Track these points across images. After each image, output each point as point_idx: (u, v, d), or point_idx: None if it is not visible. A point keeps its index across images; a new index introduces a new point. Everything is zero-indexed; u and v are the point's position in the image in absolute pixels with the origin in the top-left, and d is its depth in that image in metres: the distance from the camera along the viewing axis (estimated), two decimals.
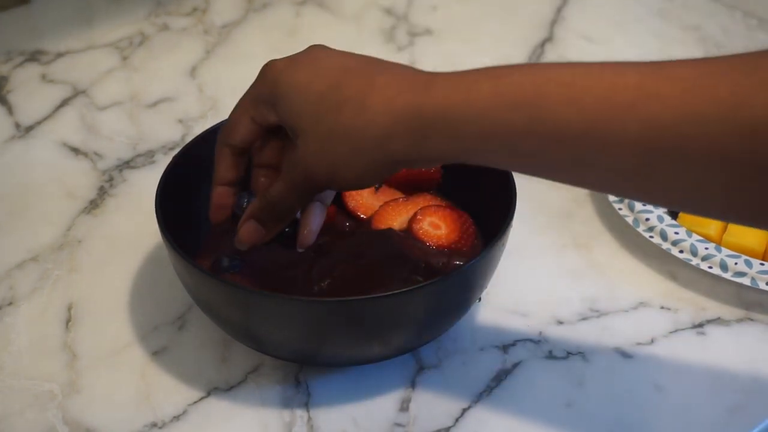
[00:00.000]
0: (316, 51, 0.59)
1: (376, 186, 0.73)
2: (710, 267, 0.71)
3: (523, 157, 0.51)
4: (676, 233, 0.73)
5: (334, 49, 0.59)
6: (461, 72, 0.52)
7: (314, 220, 0.62)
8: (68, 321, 0.69)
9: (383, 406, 0.63)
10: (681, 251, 0.72)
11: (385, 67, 0.56)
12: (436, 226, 0.68)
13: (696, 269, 0.72)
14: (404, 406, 0.63)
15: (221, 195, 0.63)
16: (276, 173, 0.61)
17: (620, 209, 0.76)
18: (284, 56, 0.60)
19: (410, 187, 0.73)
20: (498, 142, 0.50)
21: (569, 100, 0.48)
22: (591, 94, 0.47)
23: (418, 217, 0.69)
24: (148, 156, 0.86)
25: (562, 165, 0.50)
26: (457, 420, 0.62)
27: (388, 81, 0.53)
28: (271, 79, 0.59)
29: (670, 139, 0.45)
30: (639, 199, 0.67)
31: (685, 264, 0.73)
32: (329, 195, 0.63)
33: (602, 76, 0.48)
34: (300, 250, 0.62)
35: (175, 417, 0.63)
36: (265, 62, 0.60)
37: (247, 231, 0.61)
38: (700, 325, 0.70)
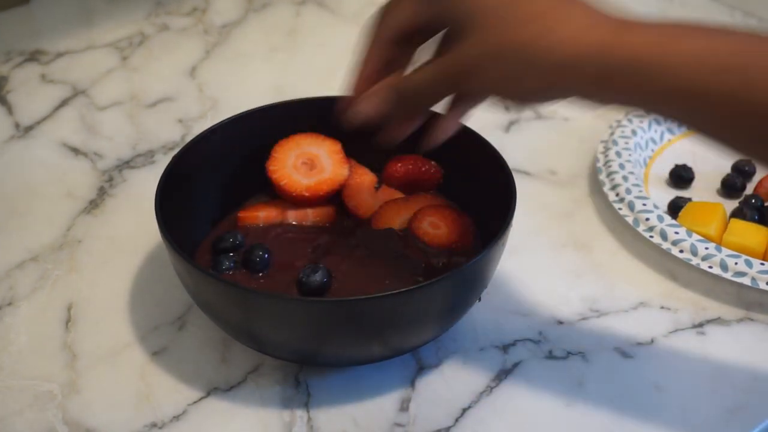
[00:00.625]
0: None
1: (376, 185, 0.73)
2: (710, 267, 0.71)
3: (710, 122, 0.49)
4: (676, 233, 0.73)
5: None
6: (656, 23, 0.50)
7: (450, 127, 0.59)
8: (68, 321, 0.69)
9: (383, 406, 0.63)
10: (681, 251, 0.72)
11: None
12: (436, 226, 0.68)
13: (696, 269, 0.72)
14: (404, 406, 0.63)
15: (362, 81, 0.59)
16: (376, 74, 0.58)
17: (620, 209, 0.76)
18: None
19: (410, 187, 0.73)
20: (689, 104, 0.48)
21: None
22: None
23: (418, 217, 0.69)
24: (148, 156, 0.86)
25: (759, 138, 0.48)
26: (457, 420, 0.62)
27: (584, 10, 0.51)
28: None
29: None
30: None
31: (685, 264, 0.73)
32: (477, 101, 0.58)
33: None
34: (423, 150, 0.59)
35: (175, 417, 0.63)
36: None
37: (369, 104, 0.57)
38: (700, 325, 0.70)
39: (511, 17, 0.51)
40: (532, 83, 0.52)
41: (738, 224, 0.74)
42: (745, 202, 0.78)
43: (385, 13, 0.58)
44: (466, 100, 0.58)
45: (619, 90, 0.50)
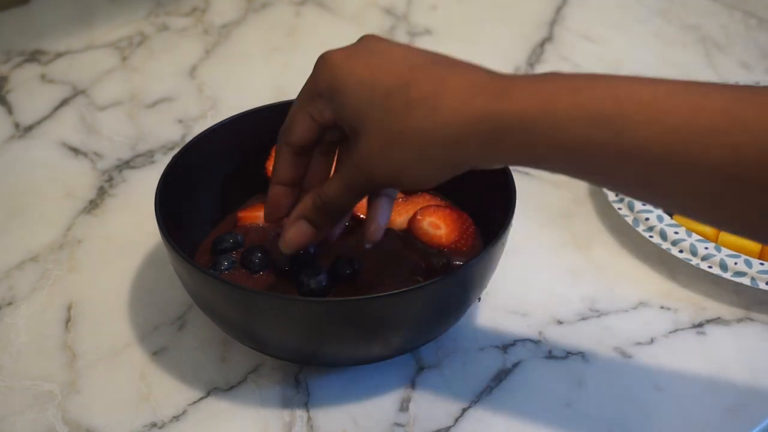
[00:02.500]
0: (375, 43, 0.56)
1: None
2: (710, 267, 0.71)
3: (596, 172, 0.50)
4: (676, 233, 0.73)
5: (392, 41, 0.57)
6: (537, 77, 0.51)
7: (382, 215, 0.59)
8: (68, 321, 0.69)
9: (383, 406, 0.63)
10: (681, 251, 0.72)
11: (455, 66, 0.54)
12: (436, 226, 0.68)
13: (696, 269, 0.72)
14: (404, 406, 0.63)
15: (278, 194, 0.61)
16: (292, 191, 0.61)
17: (620, 209, 0.76)
18: (338, 47, 0.57)
19: None
20: (573, 155, 0.49)
21: (649, 120, 0.46)
22: (672, 115, 0.46)
23: (418, 217, 0.69)
24: (148, 156, 0.86)
25: (635, 183, 0.49)
26: (457, 420, 0.62)
27: (462, 83, 0.52)
28: (328, 73, 0.56)
29: (755, 169, 0.44)
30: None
31: (684, 264, 0.73)
32: (394, 191, 0.60)
33: (685, 97, 0.47)
34: (368, 246, 0.60)
35: (175, 417, 0.63)
36: (320, 54, 0.58)
37: (297, 232, 0.59)
38: (700, 325, 0.70)
39: (394, 109, 0.53)
40: (429, 167, 0.53)
41: None
42: None
43: (283, 134, 0.60)
44: (380, 195, 0.59)
45: (509, 150, 0.51)
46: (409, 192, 0.67)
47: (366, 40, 0.57)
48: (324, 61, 0.57)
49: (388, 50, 0.55)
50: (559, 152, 0.49)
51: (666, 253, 0.73)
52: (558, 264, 0.75)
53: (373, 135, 0.54)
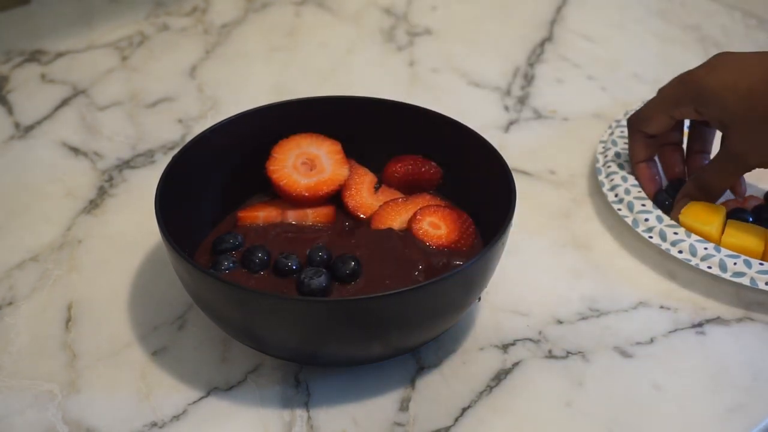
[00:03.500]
0: (727, 56, 0.71)
1: (376, 186, 0.73)
2: (709, 267, 0.71)
3: None
4: (675, 233, 0.73)
5: (740, 52, 0.72)
6: None
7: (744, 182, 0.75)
8: (68, 321, 0.69)
9: (383, 405, 0.63)
10: (680, 251, 0.72)
11: None
12: (436, 226, 0.68)
13: (695, 269, 0.72)
14: (404, 406, 0.63)
15: (644, 168, 0.77)
16: (678, 148, 0.77)
17: (620, 209, 0.76)
18: (693, 68, 0.73)
19: (410, 187, 0.73)
20: None
21: None
22: None
23: (418, 217, 0.69)
24: (148, 156, 0.86)
25: None
26: (456, 419, 0.63)
27: None
28: (694, 85, 0.71)
29: None
30: None
31: (684, 264, 0.73)
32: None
33: None
34: (739, 199, 0.76)
35: (175, 417, 0.63)
36: (678, 75, 0.74)
37: (679, 207, 0.74)
38: (700, 325, 0.70)
39: (759, 98, 0.67)
40: None
41: (736, 225, 0.74)
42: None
43: (639, 125, 0.76)
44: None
45: None
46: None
47: (719, 57, 0.72)
48: (688, 77, 0.72)
49: (742, 59, 0.70)
50: None
51: (666, 254, 0.73)
52: (558, 264, 0.75)
53: (741, 124, 0.68)
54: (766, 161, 0.70)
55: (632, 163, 0.78)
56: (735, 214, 0.75)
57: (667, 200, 0.77)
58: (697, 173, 0.74)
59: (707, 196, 0.73)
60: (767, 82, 0.67)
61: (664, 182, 0.79)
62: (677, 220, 0.73)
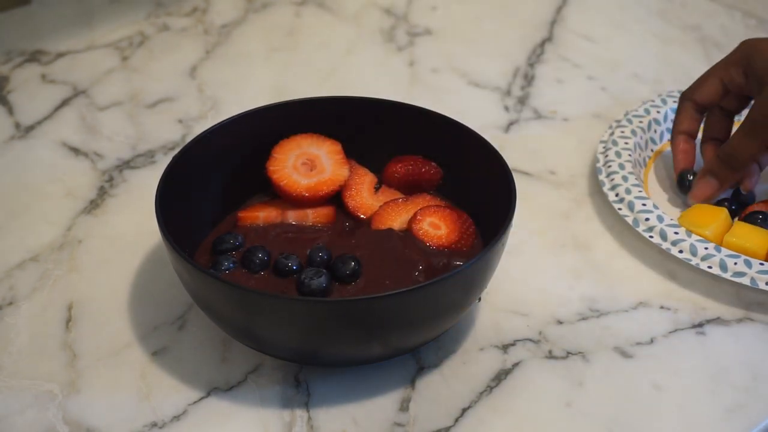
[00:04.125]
0: None
1: (376, 186, 0.73)
2: (710, 267, 0.71)
3: None
4: (676, 233, 0.73)
5: None
6: None
7: (756, 172, 0.75)
8: (68, 321, 0.69)
9: (383, 406, 0.63)
10: (681, 251, 0.72)
11: None
12: (436, 226, 0.68)
13: (695, 269, 0.72)
14: (404, 406, 0.63)
15: (682, 141, 0.77)
16: (691, 140, 0.77)
17: (620, 209, 0.76)
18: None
19: (410, 188, 0.73)
20: None
21: None
22: None
23: (418, 217, 0.69)
24: (148, 156, 0.86)
25: None
26: (456, 420, 0.63)
27: None
28: (746, 49, 0.73)
29: None
30: None
31: (684, 264, 0.73)
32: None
33: None
34: (744, 192, 0.76)
35: (175, 417, 0.63)
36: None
37: (703, 186, 0.75)
38: (700, 325, 0.70)
39: None
40: None
41: (742, 227, 0.74)
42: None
43: (691, 92, 0.77)
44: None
45: None
46: None
47: None
48: (744, 44, 0.74)
49: None
50: None
51: (666, 253, 0.73)
52: (558, 264, 0.75)
53: None
54: None
55: (672, 133, 0.79)
56: (751, 216, 0.75)
57: (691, 176, 0.78)
58: (721, 147, 0.75)
59: (731, 167, 0.73)
60: None
61: (698, 164, 0.79)
62: (694, 199, 0.75)
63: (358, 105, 0.74)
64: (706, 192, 0.75)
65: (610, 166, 0.80)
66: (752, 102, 0.74)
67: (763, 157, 0.75)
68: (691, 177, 0.78)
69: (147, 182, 0.79)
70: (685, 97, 0.78)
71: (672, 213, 0.78)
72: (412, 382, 0.65)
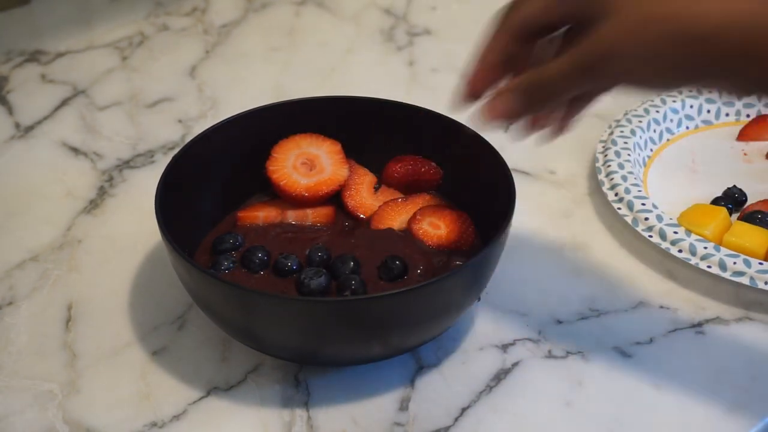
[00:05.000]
0: None
1: (376, 186, 0.73)
2: (709, 266, 0.71)
3: None
4: (675, 233, 0.73)
5: None
6: None
7: (572, 114, 0.58)
8: (68, 321, 0.69)
9: (383, 405, 0.63)
10: (680, 251, 0.72)
11: None
12: (436, 226, 0.68)
13: (695, 269, 0.72)
14: (404, 406, 0.63)
15: (480, 72, 0.58)
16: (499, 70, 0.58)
17: (619, 209, 0.76)
18: None
19: (410, 188, 0.73)
20: None
21: None
22: None
23: (418, 217, 0.69)
24: (148, 156, 0.86)
25: None
26: (456, 419, 0.63)
27: None
28: None
29: None
30: None
31: (684, 263, 0.73)
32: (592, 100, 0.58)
33: None
34: (552, 137, 0.59)
35: (175, 417, 0.63)
36: None
37: (503, 101, 0.56)
38: (699, 325, 0.70)
39: None
40: (672, 60, 0.51)
41: (741, 226, 0.74)
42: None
43: (513, 7, 0.57)
44: (588, 95, 0.57)
45: (763, 56, 0.49)
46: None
47: None
48: None
49: None
50: None
51: (665, 253, 0.73)
52: (557, 264, 0.75)
53: (624, 14, 0.51)
54: (629, 69, 0.52)
55: (474, 64, 0.59)
56: (750, 216, 0.75)
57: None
58: (537, 68, 0.56)
59: (539, 92, 0.56)
60: None
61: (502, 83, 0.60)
62: (483, 115, 0.57)
63: (358, 105, 0.74)
64: (504, 110, 0.57)
65: (609, 166, 0.80)
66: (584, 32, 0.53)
67: (577, 103, 0.59)
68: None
69: (147, 182, 0.79)
70: (500, 18, 0.58)
71: (671, 213, 0.78)
72: (411, 382, 0.65)
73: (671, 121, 0.86)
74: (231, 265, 0.66)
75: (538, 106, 0.57)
